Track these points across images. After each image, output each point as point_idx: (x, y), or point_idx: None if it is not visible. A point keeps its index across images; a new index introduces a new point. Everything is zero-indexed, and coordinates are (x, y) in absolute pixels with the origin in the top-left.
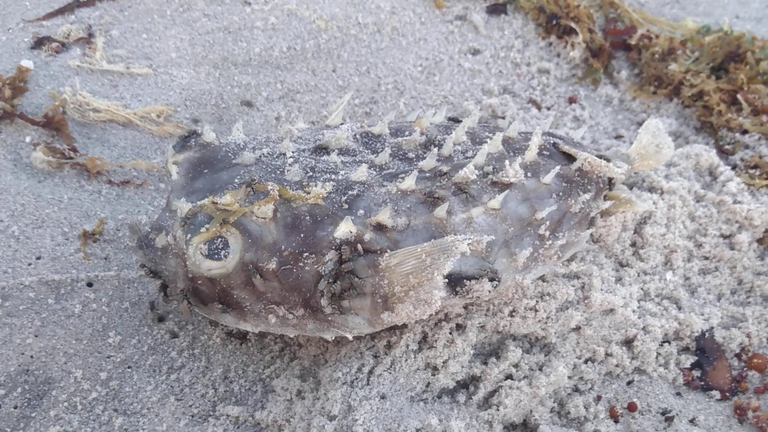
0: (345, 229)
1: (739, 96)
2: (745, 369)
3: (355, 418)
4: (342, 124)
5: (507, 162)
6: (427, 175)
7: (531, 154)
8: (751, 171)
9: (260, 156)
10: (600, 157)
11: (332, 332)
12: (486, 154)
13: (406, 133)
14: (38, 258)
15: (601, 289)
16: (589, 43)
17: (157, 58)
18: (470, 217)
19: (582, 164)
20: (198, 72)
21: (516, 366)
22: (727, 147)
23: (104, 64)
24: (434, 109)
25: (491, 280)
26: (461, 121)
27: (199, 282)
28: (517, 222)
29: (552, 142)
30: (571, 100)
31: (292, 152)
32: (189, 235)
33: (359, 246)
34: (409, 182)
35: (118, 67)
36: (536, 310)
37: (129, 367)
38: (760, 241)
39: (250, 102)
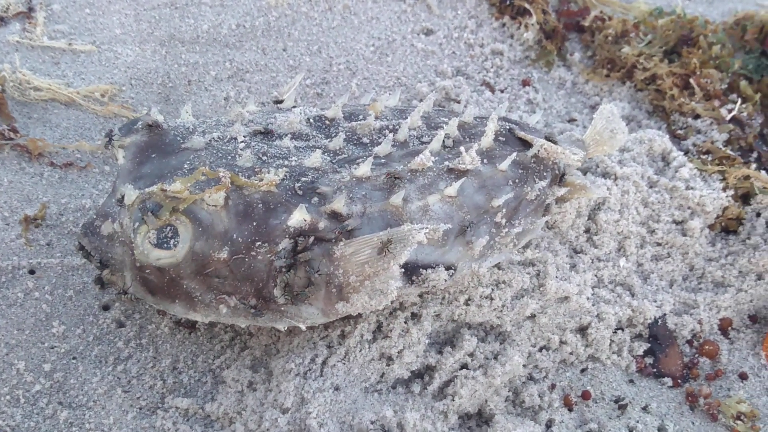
0: (299, 217)
1: (691, 80)
2: (696, 356)
3: (308, 410)
4: (294, 107)
5: (462, 148)
6: (383, 161)
7: (487, 140)
8: (704, 156)
9: (210, 140)
10: (554, 142)
11: (285, 322)
12: (442, 140)
13: (360, 117)
14: None
15: (556, 277)
16: (543, 24)
17: (100, 35)
18: (426, 205)
19: (538, 151)
20: (144, 49)
21: (471, 355)
22: (679, 132)
23: (45, 40)
24: (388, 92)
25: (447, 268)
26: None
27: (148, 271)
28: (474, 210)
29: (508, 127)
30: (525, 83)
31: (244, 137)
32: (137, 224)
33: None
34: (364, 169)
35: (59, 44)
36: (492, 299)
37: (74, 358)
38: (711, 227)
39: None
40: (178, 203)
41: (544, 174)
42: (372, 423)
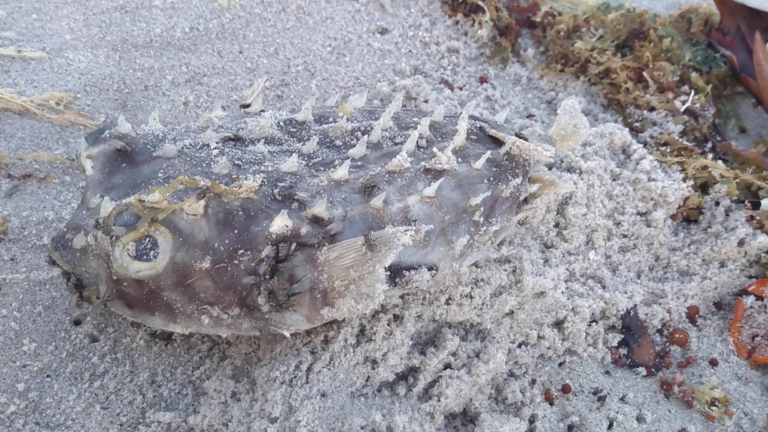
0: (281, 223)
1: (645, 73)
2: (667, 344)
3: (297, 419)
4: (262, 110)
5: (435, 148)
6: (359, 163)
7: (460, 138)
8: (662, 148)
9: (182, 147)
10: (524, 139)
11: (269, 330)
12: (416, 140)
13: (330, 119)
14: None
15: (532, 273)
16: (496, 21)
17: (50, 41)
18: (407, 206)
19: (510, 148)
20: (96, 55)
21: (454, 354)
22: (636, 124)
23: None
24: (347, 92)
25: (429, 269)
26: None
27: (125, 284)
28: (453, 209)
29: (478, 126)
30: (482, 80)
31: (216, 143)
32: (115, 236)
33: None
34: (341, 172)
35: (8, 51)
36: (471, 297)
37: (48, 376)
38: (673, 217)
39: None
40: (157, 213)
41: (516, 171)
42: (362, 428)
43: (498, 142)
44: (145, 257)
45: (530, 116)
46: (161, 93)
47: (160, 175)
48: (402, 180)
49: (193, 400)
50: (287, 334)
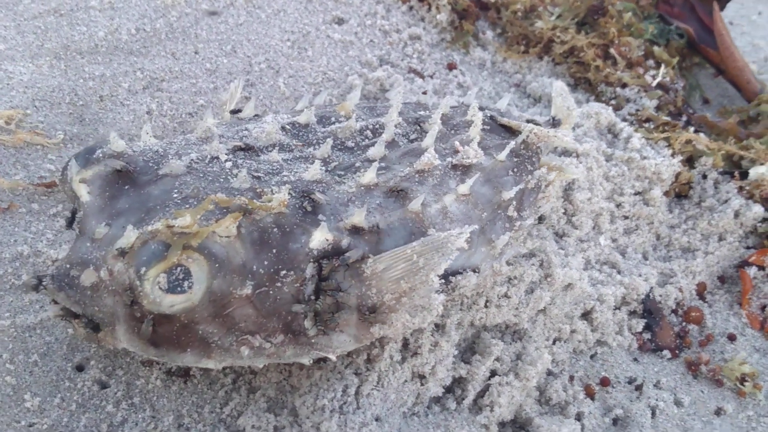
0: (320, 237)
1: (611, 50)
2: (683, 324)
3: None
4: (256, 115)
5: (457, 142)
6: (383, 164)
7: (476, 130)
8: (646, 125)
9: (190, 163)
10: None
11: (313, 355)
12: (435, 136)
13: (333, 119)
14: None
15: (559, 265)
16: (454, 4)
17: None
18: (444, 207)
19: (528, 136)
20: (38, 65)
21: (498, 360)
22: (612, 102)
23: None
24: (314, 88)
25: (473, 271)
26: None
27: (149, 320)
28: (488, 206)
29: (489, 115)
30: (450, 67)
31: (226, 154)
32: (143, 269)
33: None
34: (369, 175)
35: None
36: (508, 297)
37: None
38: (666, 193)
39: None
40: (189, 239)
41: (533, 160)
42: None
43: (509, 131)
44: (179, 289)
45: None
46: (119, 103)
47: (175, 195)
48: (433, 179)
49: None
50: (333, 357)
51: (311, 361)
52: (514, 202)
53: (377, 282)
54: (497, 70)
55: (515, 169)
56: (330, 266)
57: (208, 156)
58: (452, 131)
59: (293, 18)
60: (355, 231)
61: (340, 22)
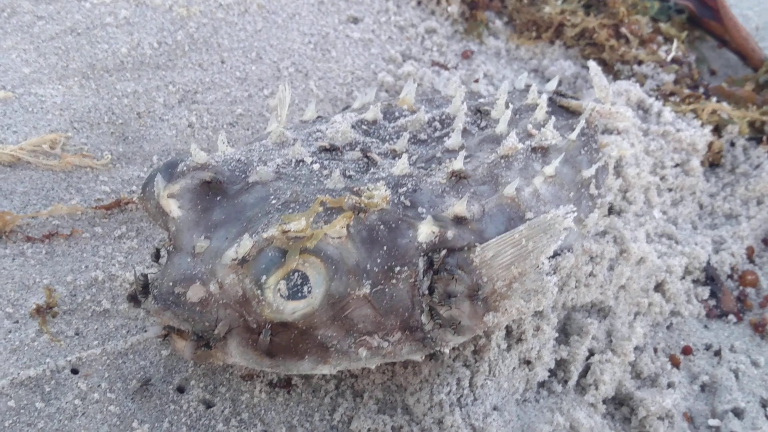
0: (427, 230)
1: (623, 29)
2: (740, 288)
3: None
4: (319, 116)
5: (530, 125)
6: (465, 153)
7: (541, 113)
8: (671, 99)
9: (277, 168)
10: None
11: (427, 351)
12: (507, 121)
13: (396, 114)
14: None
15: (632, 239)
16: None
17: (6, 78)
18: (536, 190)
19: (590, 114)
20: (68, 86)
21: (594, 338)
22: (632, 80)
23: None
24: (347, 88)
25: (569, 251)
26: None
27: (266, 330)
28: (572, 185)
29: (548, 98)
30: (464, 55)
31: (310, 157)
32: (264, 277)
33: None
34: (458, 165)
35: None
36: (594, 275)
37: None
38: (701, 163)
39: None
40: (304, 243)
41: (596, 138)
42: None
43: (569, 111)
44: (299, 294)
45: (527, 86)
46: (158, 118)
47: (273, 201)
48: (518, 163)
49: None
50: (447, 350)
51: (423, 357)
52: (594, 180)
53: (487, 270)
54: (513, 57)
55: (585, 148)
56: (440, 259)
57: (293, 160)
58: (516, 115)
59: (309, 20)
60: (458, 221)
61: (356, 21)
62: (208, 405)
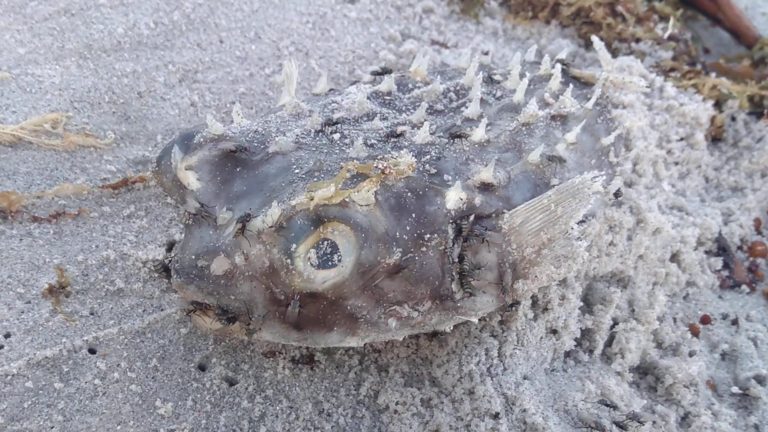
0: (455, 197)
1: (619, 7)
2: (750, 259)
3: (523, 408)
4: (331, 89)
5: (547, 94)
6: (486, 122)
7: (555, 82)
8: (672, 74)
9: (296, 138)
10: None
11: (455, 320)
12: (524, 89)
13: (409, 85)
14: (7, 336)
15: (649, 210)
16: None
17: (1, 58)
18: (559, 156)
19: (604, 83)
20: (65, 66)
21: (618, 307)
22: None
23: None
24: (350, 66)
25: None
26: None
27: (295, 302)
28: (592, 153)
29: (561, 68)
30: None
31: (329, 126)
32: (294, 245)
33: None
34: (480, 133)
35: None
36: (614, 244)
37: None
38: (705, 137)
39: None
40: (332, 210)
41: (609, 108)
42: (583, 402)
43: (580, 82)
44: (330, 263)
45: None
46: (159, 98)
47: (297, 171)
48: (539, 131)
49: (372, 421)
50: (475, 320)
51: (451, 328)
52: (613, 148)
53: (516, 237)
54: (510, 37)
55: (601, 117)
56: (469, 225)
57: (312, 130)
58: (530, 86)
59: (305, 0)
60: (485, 188)
61: (352, 0)
62: (231, 382)
